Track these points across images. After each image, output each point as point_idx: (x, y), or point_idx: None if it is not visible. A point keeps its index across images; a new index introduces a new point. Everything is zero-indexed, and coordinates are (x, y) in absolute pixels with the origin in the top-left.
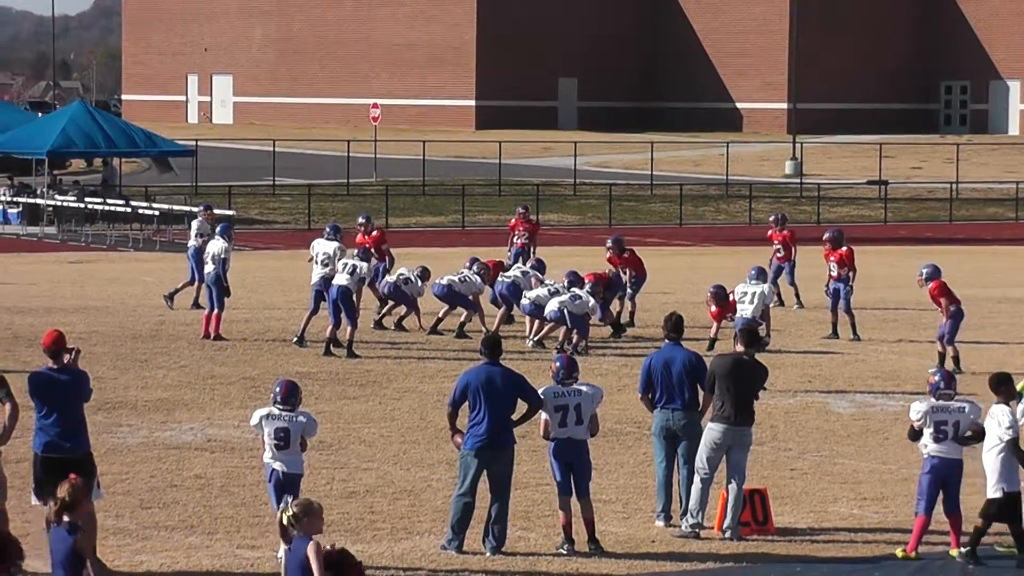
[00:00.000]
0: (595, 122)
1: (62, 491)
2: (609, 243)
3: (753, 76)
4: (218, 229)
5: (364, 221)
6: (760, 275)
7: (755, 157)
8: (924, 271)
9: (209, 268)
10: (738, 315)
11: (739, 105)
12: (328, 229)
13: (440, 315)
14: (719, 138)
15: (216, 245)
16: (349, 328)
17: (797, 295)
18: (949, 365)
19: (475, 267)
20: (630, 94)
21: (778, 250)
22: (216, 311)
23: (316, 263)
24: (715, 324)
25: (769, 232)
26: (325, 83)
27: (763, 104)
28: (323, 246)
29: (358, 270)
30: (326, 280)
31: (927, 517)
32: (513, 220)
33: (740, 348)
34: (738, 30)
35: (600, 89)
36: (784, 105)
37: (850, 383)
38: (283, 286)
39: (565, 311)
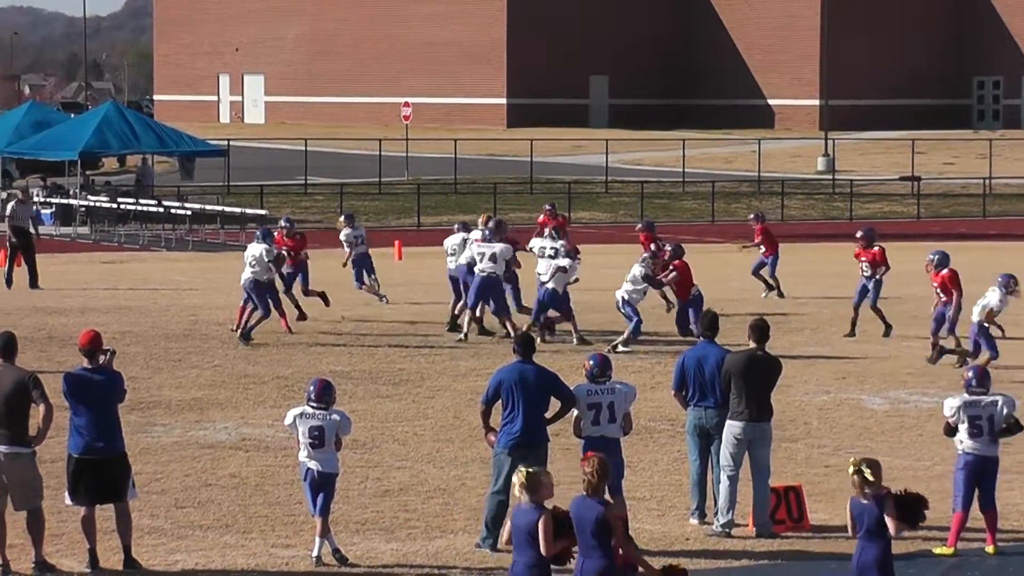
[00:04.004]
0: (626, 119)
1: None
2: (640, 226)
3: (784, 72)
4: (259, 233)
5: (286, 224)
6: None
7: (787, 154)
8: (934, 257)
9: (248, 273)
10: None
11: (771, 102)
12: (258, 234)
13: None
14: (751, 135)
15: (257, 249)
16: (259, 314)
17: (777, 287)
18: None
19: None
20: (661, 91)
21: (757, 244)
22: (263, 313)
23: (245, 265)
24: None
25: (756, 226)
26: (356, 82)
27: (795, 100)
28: (252, 249)
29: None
30: (255, 281)
31: (964, 513)
32: (541, 217)
33: (753, 344)
34: (769, 26)
35: (631, 86)
36: (816, 102)
37: (883, 379)
38: (315, 285)
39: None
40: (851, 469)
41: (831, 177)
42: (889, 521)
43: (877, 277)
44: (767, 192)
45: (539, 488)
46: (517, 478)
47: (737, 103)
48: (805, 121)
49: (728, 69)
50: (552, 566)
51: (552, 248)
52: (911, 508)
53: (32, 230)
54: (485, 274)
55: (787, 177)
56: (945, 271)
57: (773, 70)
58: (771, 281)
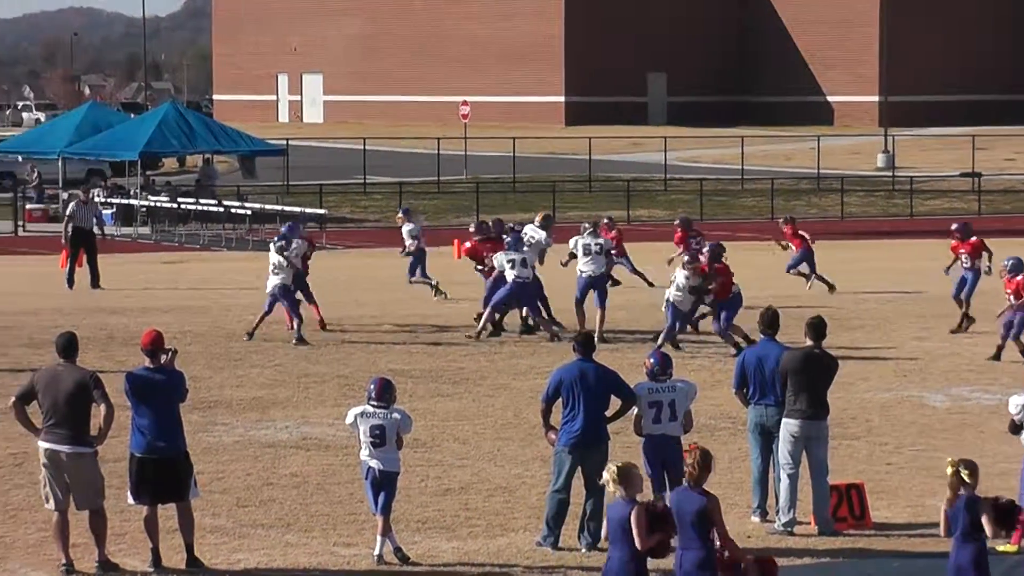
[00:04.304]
0: (685, 117)
1: None
2: (677, 221)
3: (844, 69)
4: (285, 229)
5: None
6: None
7: (847, 150)
8: (1008, 263)
9: (277, 280)
10: None
11: (830, 98)
12: (283, 230)
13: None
14: (810, 132)
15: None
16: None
17: (822, 279)
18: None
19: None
20: (720, 88)
21: (785, 244)
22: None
23: (269, 273)
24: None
25: (786, 228)
26: (415, 81)
27: (854, 97)
28: (273, 257)
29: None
30: (285, 286)
31: None
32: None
33: (809, 342)
34: (828, 22)
35: (689, 84)
36: (875, 98)
37: (945, 376)
38: (375, 284)
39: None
40: (949, 470)
41: (891, 174)
42: (986, 523)
43: (977, 268)
44: (826, 189)
45: (632, 482)
46: (609, 473)
47: (796, 100)
48: (865, 117)
49: (787, 66)
50: (649, 559)
51: (597, 244)
52: (1006, 514)
53: (97, 230)
54: (521, 280)
55: (847, 174)
56: (1019, 277)
57: (833, 66)
58: (805, 272)
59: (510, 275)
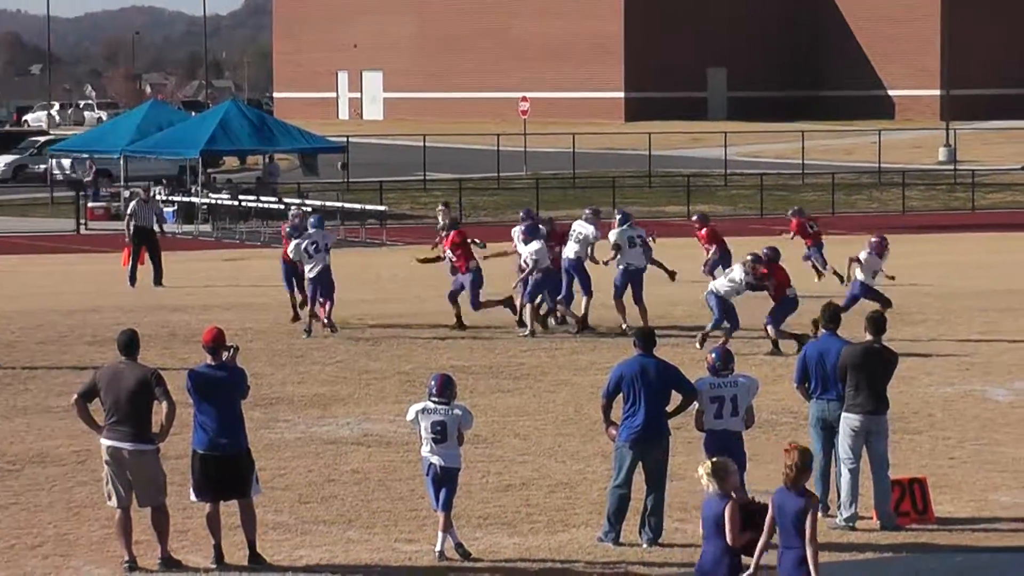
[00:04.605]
0: (745, 112)
1: None
2: (791, 212)
3: (905, 62)
4: (313, 221)
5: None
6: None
7: (908, 144)
8: None
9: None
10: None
11: (891, 92)
12: (312, 221)
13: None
14: (871, 126)
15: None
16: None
17: (833, 272)
18: None
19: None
20: (780, 83)
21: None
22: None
23: (308, 255)
24: None
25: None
26: (474, 77)
27: (915, 91)
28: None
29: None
30: (326, 270)
31: None
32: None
33: (869, 336)
34: (889, 16)
35: (749, 79)
36: (937, 92)
37: (1008, 371)
38: (436, 280)
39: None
40: None
41: (952, 167)
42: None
43: None
44: (888, 183)
45: (726, 477)
46: (703, 468)
47: (857, 94)
48: (926, 111)
49: (848, 60)
50: (743, 556)
51: (639, 236)
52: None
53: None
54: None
55: (908, 168)
56: None
57: (893, 60)
58: (819, 267)
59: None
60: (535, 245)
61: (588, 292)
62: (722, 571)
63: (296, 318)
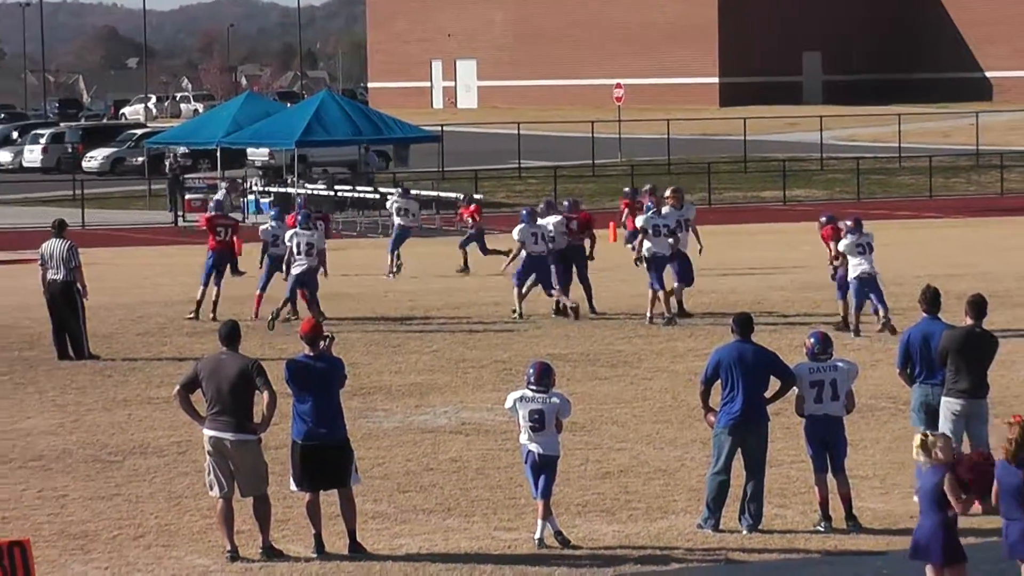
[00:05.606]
0: (840, 95)
1: None
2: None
3: (1003, 43)
4: (300, 218)
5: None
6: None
7: (1006, 126)
8: None
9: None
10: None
11: (988, 74)
12: (301, 217)
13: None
14: (968, 108)
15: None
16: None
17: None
18: None
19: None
20: (875, 66)
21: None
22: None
23: (299, 253)
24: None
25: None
26: (567, 65)
27: (1014, 72)
28: (304, 236)
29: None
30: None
31: None
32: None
33: (970, 320)
34: None
35: (845, 62)
36: None
37: None
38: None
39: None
40: None
41: None
42: None
43: None
44: (986, 166)
45: (939, 450)
46: (916, 441)
47: (954, 76)
48: None
49: (944, 42)
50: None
51: (665, 224)
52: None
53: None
54: (535, 254)
55: (1006, 150)
56: None
57: (991, 41)
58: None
59: (531, 248)
60: (519, 226)
61: (561, 283)
62: (937, 545)
63: (196, 316)
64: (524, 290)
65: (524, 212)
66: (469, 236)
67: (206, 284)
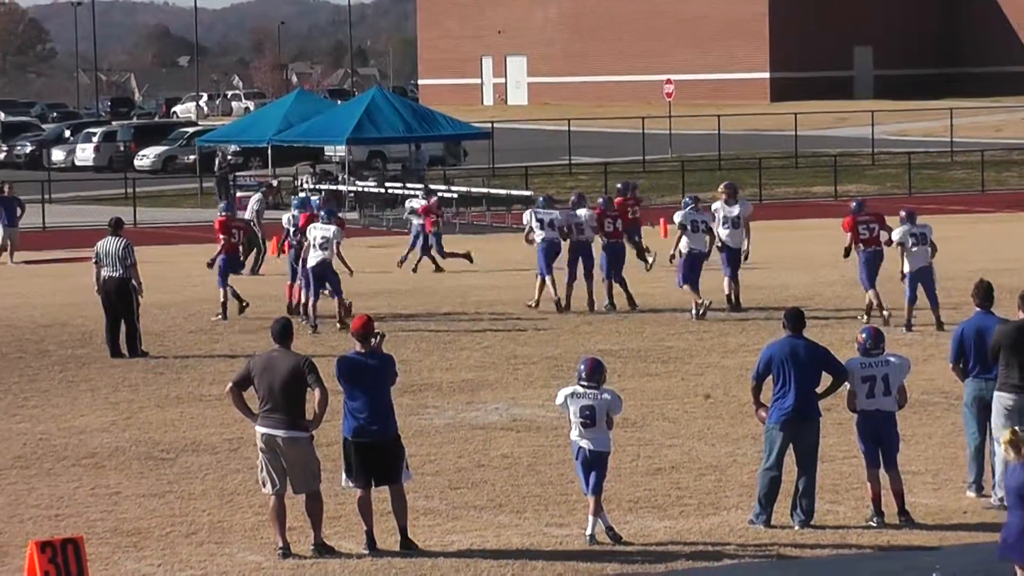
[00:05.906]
0: (891, 90)
1: None
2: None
3: None
4: (323, 215)
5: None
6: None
7: None
8: None
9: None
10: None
11: None
12: (324, 213)
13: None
14: (1020, 102)
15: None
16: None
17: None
18: None
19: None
20: (926, 60)
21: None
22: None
23: (315, 247)
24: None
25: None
26: (617, 60)
27: None
28: (320, 230)
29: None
30: (326, 262)
31: None
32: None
33: (1022, 315)
34: None
35: (896, 56)
36: None
37: None
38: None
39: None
40: None
41: None
42: None
43: None
44: None
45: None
46: (1005, 437)
47: (1005, 70)
48: None
49: (995, 35)
50: None
51: (703, 221)
52: None
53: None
54: (547, 241)
55: None
56: None
57: None
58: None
59: (539, 235)
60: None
61: (548, 272)
62: None
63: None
64: (567, 282)
65: (541, 198)
66: (436, 236)
67: (223, 285)
